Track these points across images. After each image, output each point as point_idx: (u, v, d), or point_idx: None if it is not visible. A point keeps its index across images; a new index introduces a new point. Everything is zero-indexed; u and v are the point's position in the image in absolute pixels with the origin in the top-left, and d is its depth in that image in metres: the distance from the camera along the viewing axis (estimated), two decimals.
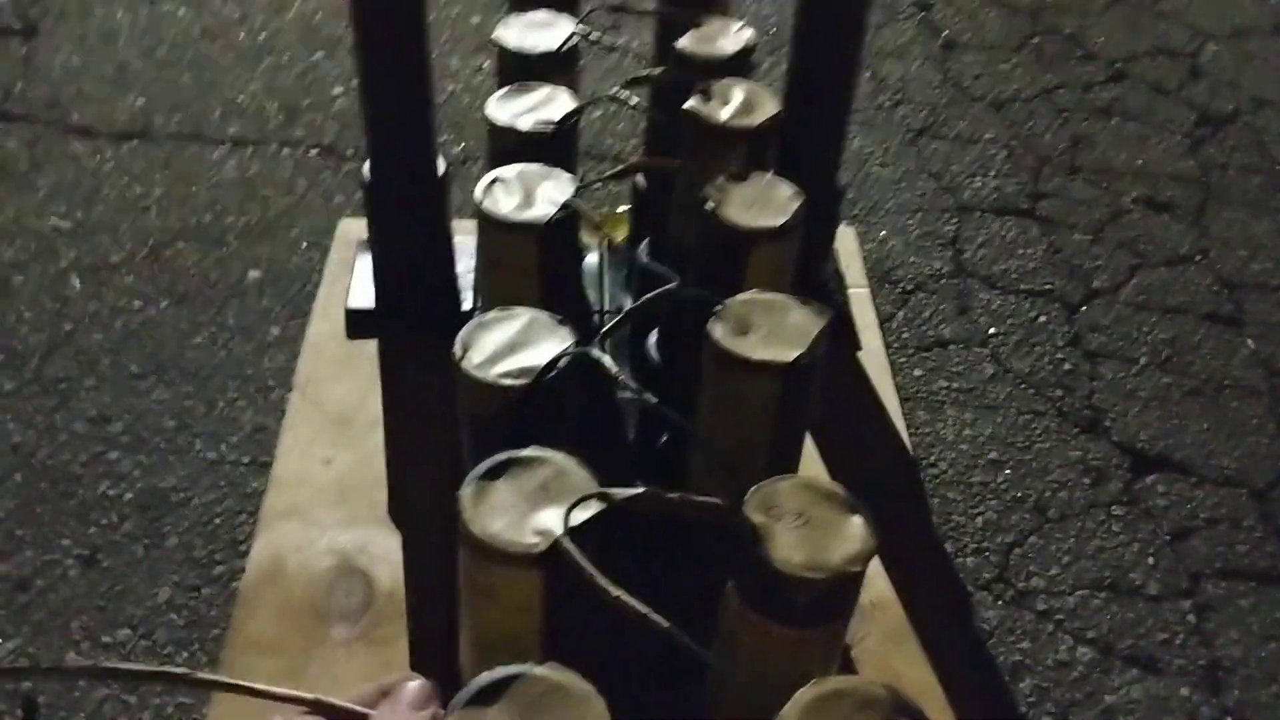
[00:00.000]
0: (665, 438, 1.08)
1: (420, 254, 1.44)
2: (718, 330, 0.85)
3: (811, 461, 1.00)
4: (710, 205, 0.95)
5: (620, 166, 1.03)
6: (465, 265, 1.49)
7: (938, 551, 1.46)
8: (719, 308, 0.86)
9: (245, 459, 1.52)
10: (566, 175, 1.01)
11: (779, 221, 0.94)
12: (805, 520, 0.75)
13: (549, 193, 0.99)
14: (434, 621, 0.99)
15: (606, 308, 1.37)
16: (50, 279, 1.79)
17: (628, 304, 1.42)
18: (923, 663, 1.00)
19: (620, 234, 1.53)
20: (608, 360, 0.84)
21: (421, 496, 1.25)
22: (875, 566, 1.22)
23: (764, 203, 0.96)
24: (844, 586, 0.74)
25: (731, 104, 1.03)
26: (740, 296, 0.87)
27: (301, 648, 1.11)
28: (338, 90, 2.28)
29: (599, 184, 1.09)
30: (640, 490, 0.76)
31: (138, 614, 1.34)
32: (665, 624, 0.66)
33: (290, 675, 1.09)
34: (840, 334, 1.51)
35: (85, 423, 1.56)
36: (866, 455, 1.23)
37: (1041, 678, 1.34)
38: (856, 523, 0.74)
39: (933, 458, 1.60)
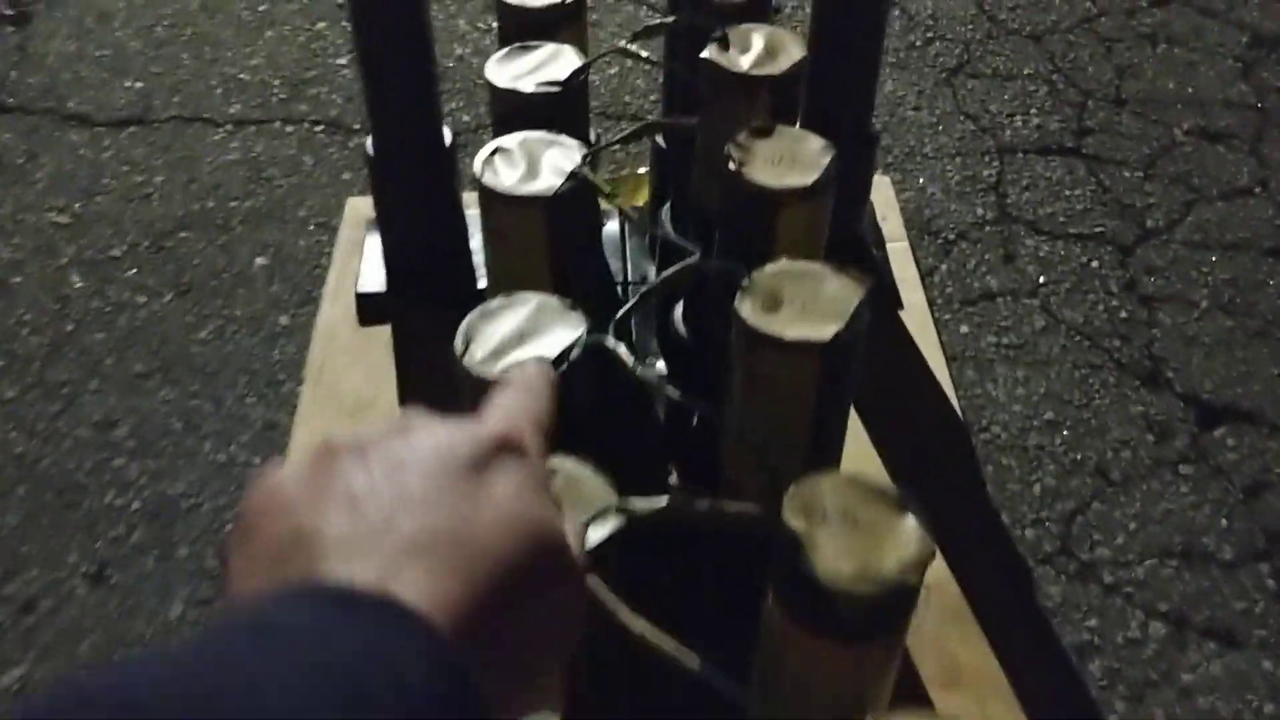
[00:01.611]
0: (695, 424, 1.00)
1: (430, 230, 1.37)
2: (746, 307, 0.76)
3: (853, 433, 0.92)
4: (734, 165, 0.87)
5: (632, 128, 0.94)
6: (479, 241, 1.41)
7: (995, 524, 1.38)
8: (746, 281, 0.77)
9: (256, 458, 1.45)
10: (574, 141, 0.93)
11: (810, 179, 0.86)
12: (852, 523, 0.67)
13: (556, 161, 0.91)
14: None
15: (630, 278, 1.29)
16: (50, 276, 1.73)
17: (652, 273, 1.34)
18: (983, 646, 0.95)
19: (640, 198, 1.44)
20: (623, 350, 0.76)
21: None
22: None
23: (792, 159, 0.88)
24: (899, 598, 0.66)
25: (752, 51, 0.97)
26: (769, 267, 0.79)
27: None
28: (342, 61, 2.20)
29: (610, 149, 1.00)
30: (664, 501, 0.68)
31: (149, 632, 1.28)
32: (696, 663, 0.59)
33: None
34: (881, 297, 1.43)
35: (90, 428, 1.50)
36: (912, 422, 1.15)
37: (1112, 658, 1.25)
38: (909, 524, 0.67)
39: (984, 421, 1.51)
